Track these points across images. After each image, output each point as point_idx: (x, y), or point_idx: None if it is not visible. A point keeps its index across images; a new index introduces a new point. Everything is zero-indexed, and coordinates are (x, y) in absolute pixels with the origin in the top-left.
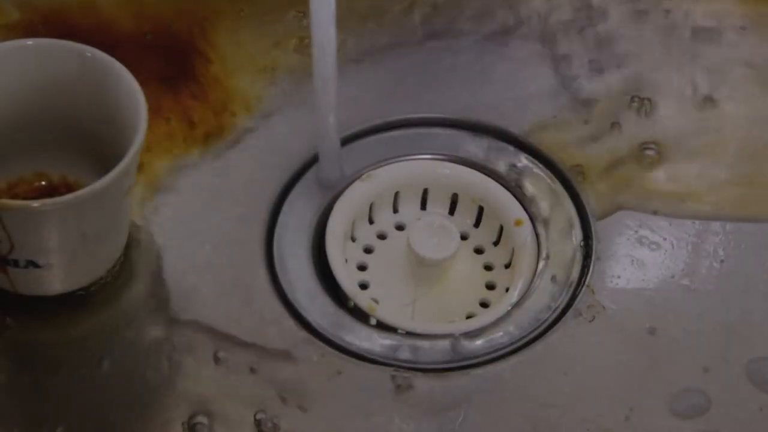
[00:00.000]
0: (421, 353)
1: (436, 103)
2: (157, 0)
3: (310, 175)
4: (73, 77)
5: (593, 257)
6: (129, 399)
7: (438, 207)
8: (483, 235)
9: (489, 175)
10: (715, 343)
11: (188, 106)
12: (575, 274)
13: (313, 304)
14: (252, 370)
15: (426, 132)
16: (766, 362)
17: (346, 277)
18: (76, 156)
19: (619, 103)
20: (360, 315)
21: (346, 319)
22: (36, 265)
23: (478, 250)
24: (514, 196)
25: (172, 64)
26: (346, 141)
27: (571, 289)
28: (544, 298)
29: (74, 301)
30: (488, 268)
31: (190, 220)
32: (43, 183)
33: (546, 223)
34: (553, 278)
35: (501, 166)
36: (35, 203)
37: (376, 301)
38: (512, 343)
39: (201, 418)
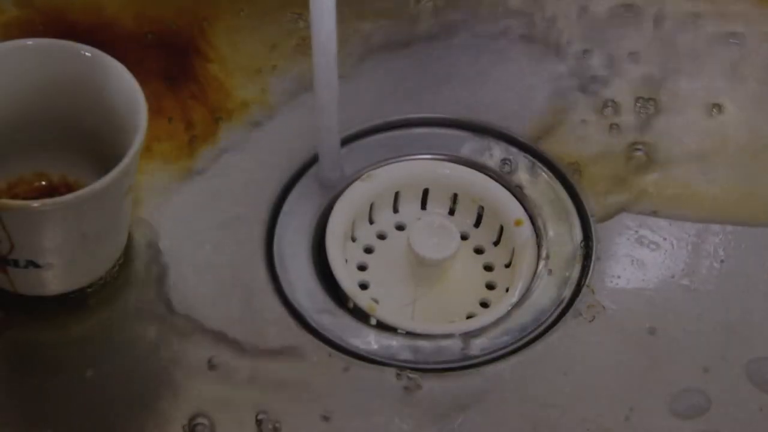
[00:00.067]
0: (421, 353)
1: (436, 103)
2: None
3: (310, 175)
4: (73, 77)
5: (593, 257)
6: (129, 399)
7: (438, 207)
8: (483, 235)
9: (489, 175)
10: (715, 343)
11: (188, 106)
12: (575, 274)
13: (313, 304)
14: (252, 370)
15: (426, 132)
16: (766, 362)
17: (346, 277)
18: (76, 156)
19: (621, 104)
20: (360, 315)
21: (346, 319)
22: (36, 265)
23: (478, 250)
24: (514, 196)
25: (173, 63)
26: (346, 141)
27: (571, 289)
28: (544, 298)
29: (74, 301)
30: (488, 268)
31: (190, 220)
32: (43, 183)
33: (546, 223)
34: (553, 278)
35: (501, 166)
36: (35, 203)
37: (376, 301)
38: (512, 343)
39: (201, 419)
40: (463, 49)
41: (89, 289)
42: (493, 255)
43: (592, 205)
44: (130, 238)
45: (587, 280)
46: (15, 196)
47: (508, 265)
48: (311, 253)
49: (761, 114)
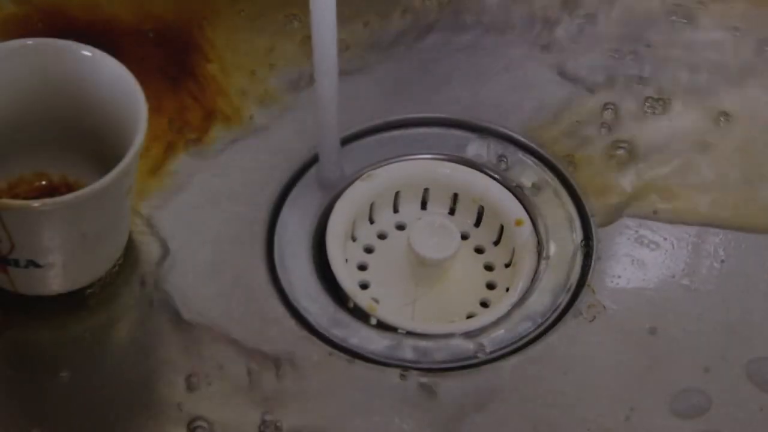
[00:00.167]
0: (421, 353)
1: (436, 103)
2: None
3: (310, 175)
4: (73, 77)
5: (593, 257)
6: (129, 399)
7: (438, 207)
8: (483, 235)
9: (489, 175)
10: (715, 343)
11: (188, 106)
12: (575, 273)
13: (314, 304)
14: (252, 371)
15: (426, 132)
16: (766, 362)
17: (347, 277)
18: (76, 156)
19: (622, 104)
20: (360, 315)
21: (347, 319)
22: (36, 265)
23: (479, 250)
24: (515, 195)
25: (172, 63)
26: (346, 141)
27: (572, 289)
28: (544, 298)
29: (74, 301)
30: (488, 267)
31: (190, 220)
32: (44, 183)
33: (546, 223)
34: (554, 278)
35: (501, 166)
36: (35, 203)
37: (377, 301)
38: (512, 343)
39: (201, 419)
40: (463, 49)
41: (89, 289)
42: (493, 255)
43: (592, 205)
44: (130, 238)
45: (587, 280)
46: (15, 196)
47: (508, 265)
48: (311, 253)
49: (762, 114)
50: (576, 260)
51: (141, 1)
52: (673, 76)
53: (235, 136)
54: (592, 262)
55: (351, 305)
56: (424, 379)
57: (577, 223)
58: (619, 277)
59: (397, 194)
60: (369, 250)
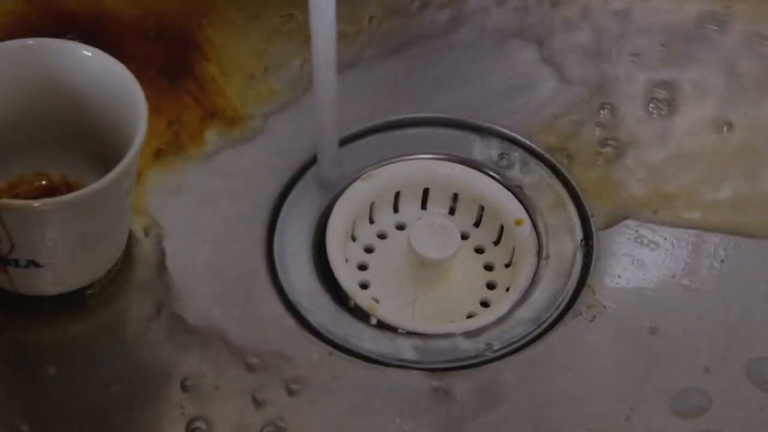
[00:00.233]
0: (421, 353)
1: (436, 103)
2: None
3: (310, 175)
4: (73, 77)
5: (593, 257)
6: (129, 399)
7: (438, 207)
8: (483, 235)
9: (489, 175)
10: (715, 343)
11: (188, 106)
12: (575, 273)
13: (314, 304)
14: (252, 371)
15: (426, 132)
16: (766, 362)
17: (347, 277)
18: (76, 156)
19: (622, 105)
20: (360, 315)
21: (347, 319)
22: (36, 265)
23: (479, 250)
24: (515, 195)
25: (172, 63)
26: (346, 141)
27: (572, 289)
28: (544, 298)
29: (74, 301)
30: (489, 267)
31: (190, 220)
32: (44, 183)
33: (546, 222)
34: (554, 278)
35: (501, 166)
36: (36, 203)
37: (377, 301)
38: (512, 343)
39: (201, 419)
40: (463, 49)
41: (89, 290)
42: (493, 254)
43: (592, 205)
44: (130, 238)
45: (587, 280)
46: (15, 196)
47: (508, 265)
48: (311, 253)
49: (762, 114)
50: (576, 260)
51: (141, 2)
52: (673, 77)
53: (234, 136)
54: (592, 262)
55: (351, 305)
56: (423, 379)
57: (577, 223)
58: (619, 277)
59: (397, 194)
60: (369, 250)
